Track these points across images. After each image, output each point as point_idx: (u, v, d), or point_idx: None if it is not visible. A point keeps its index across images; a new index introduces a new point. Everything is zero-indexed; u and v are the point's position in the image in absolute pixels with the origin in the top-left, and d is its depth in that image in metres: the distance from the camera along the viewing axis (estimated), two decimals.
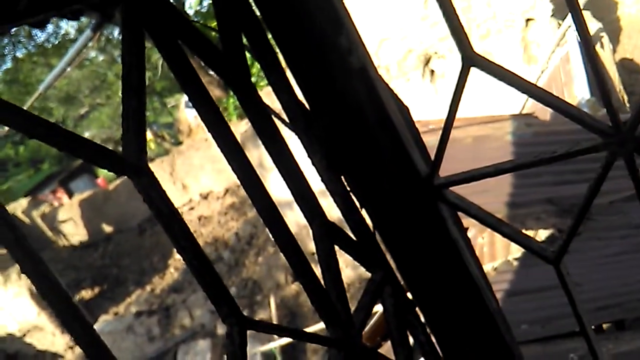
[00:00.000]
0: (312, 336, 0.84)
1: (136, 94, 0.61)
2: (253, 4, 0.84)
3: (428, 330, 1.03)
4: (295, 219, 6.93)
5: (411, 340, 1.06)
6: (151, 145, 18.99)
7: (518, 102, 6.58)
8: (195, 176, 14.40)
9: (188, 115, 16.79)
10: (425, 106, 7.63)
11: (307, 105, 0.97)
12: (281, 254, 0.87)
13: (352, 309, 0.96)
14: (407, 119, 1.01)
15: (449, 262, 0.95)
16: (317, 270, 0.94)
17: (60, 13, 0.71)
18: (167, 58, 0.72)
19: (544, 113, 5.60)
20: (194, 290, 11.43)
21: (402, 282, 1.04)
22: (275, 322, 9.56)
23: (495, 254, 4.48)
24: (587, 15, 7.34)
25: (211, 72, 12.27)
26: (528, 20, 7.39)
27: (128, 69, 0.62)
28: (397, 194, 0.95)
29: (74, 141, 0.56)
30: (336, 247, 1.01)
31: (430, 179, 0.91)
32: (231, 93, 14.02)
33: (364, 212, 1.03)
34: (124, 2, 0.62)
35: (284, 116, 1.01)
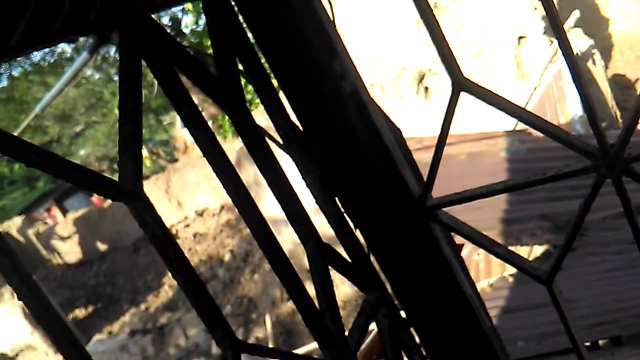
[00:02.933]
0: (306, 359, 0.84)
1: (133, 119, 0.63)
2: (247, 30, 0.86)
3: (423, 350, 1.04)
4: (291, 236, 6.91)
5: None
6: (147, 163, 18.99)
7: (511, 119, 6.62)
8: (190, 193, 14.38)
9: (184, 133, 16.83)
10: (419, 123, 7.68)
11: (300, 128, 0.98)
12: None
13: (349, 326, 0.96)
14: (399, 141, 1.02)
15: (443, 282, 0.95)
16: (310, 289, 0.94)
17: (56, 43, 0.72)
18: (162, 84, 0.74)
19: None
20: (188, 309, 11.34)
21: (396, 303, 1.05)
22: (271, 340, 9.49)
23: (491, 271, 4.48)
24: (579, 32, 7.44)
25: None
26: (520, 37, 7.48)
27: (125, 94, 0.63)
28: (390, 215, 0.96)
29: (69, 168, 0.57)
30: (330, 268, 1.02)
31: (423, 200, 0.92)
32: None
33: (357, 233, 1.03)
34: (121, 31, 0.63)
35: (278, 138, 1.02)
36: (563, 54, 0.74)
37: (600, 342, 3.39)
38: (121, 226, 14.62)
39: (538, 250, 4.08)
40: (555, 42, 6.64)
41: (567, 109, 5.98)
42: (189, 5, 12.74)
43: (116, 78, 19.29)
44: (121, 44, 0.66)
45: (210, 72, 0.79)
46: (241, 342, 0.69)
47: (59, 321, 0.56)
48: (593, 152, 0.78)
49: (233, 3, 0.84)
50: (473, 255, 4.72)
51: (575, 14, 7.39)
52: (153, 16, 0.70)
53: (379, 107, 0.97)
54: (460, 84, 0.80)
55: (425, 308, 0.99)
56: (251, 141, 0.90)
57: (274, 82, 0.95)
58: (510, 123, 6.62)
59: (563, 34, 0.72)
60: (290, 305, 10.19)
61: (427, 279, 0.96)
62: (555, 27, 0.72)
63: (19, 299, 0.54)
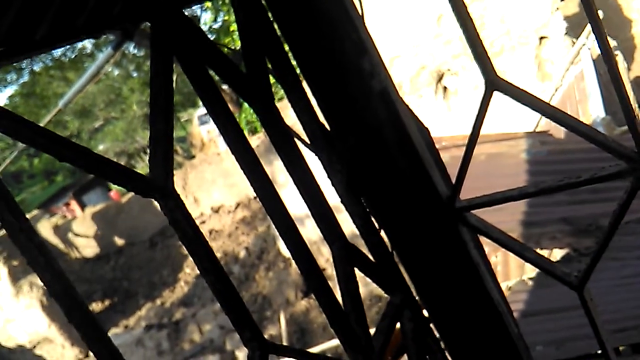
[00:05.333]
0: None
1: (164, 117, 0.62)
2: (277, 28, 0.85)
3: (447, 354, 1.02)
4: (306, 235, 6.91)
5: None
6: None
7: (532, 120, 6.55)
8: (207, 190, 14.46)
9: (201, 130, 16.92)
10: (437, 123, 7.61)
11: (327, 127, 0.97)
12: (291, 269, 0.87)
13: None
14: (427, 141, 1.00)
15: (470, 286, 0.94)
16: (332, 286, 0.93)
17: (82, 39, 0.72)
18: (192, 80, 0.73)
19: (559, 131, 5.57)
20: (203, 304, 11.40)
21: (420, 305, 1.03)
22: (284, 337, 9.50)
23: (509, 273, 4.42)
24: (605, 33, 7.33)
25: (224, 87, 12.36)
26: (542, 38, 7.38)
27: (156, 92, 0.63)
28: (417, 216, 0.94)
29: (102, 164, 0.56)
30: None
31: (452, 201, 0.90)
32: (244, 108, 14.05)
33: (382, 234, 1.02)
34: (153, 28, 0.63)
35: (305, 137, 1.01)
36: (601, 50, 0.71)
37: (621, 348, 3.33)
38: (138, 221, 14.76)
39: (558, 253, 4.02)
40: (578, 42, 6.54)
41: (589, 111, 5.89)
42: (208, 3, 12.80)
43: (135, 75, 19.45)
44: (153, 39, 0.65)
45: (240, 70, 0.78)
46: (269, 343, 0.68)
47: (89, 319, 0.56)
48: (630, 155, 0.76)
49: (263, 1, 0.83)
50: (491, 257, 4.67)
51: (598, 14, 7.26)
52: (185, 11, 0.70)
53: (407, 106, 0.96)
54: (493, 83, 0.78)
55: (451, 312, 0.97)
56: (278, 139, 0.89)
57: (302, 80, 0.94)
58: (531, 124, 6.53)
59: (602, 34, 0.70)
60: (304, 303, 10.20)
61: (453, 282, 0.95)
62: (594, 24, 0.70)
63: (51, 296, 0.54)
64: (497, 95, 0.98)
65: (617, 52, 7.31)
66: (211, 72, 0.84)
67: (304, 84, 0.94)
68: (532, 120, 6.57)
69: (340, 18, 0.83)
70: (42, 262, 0.49)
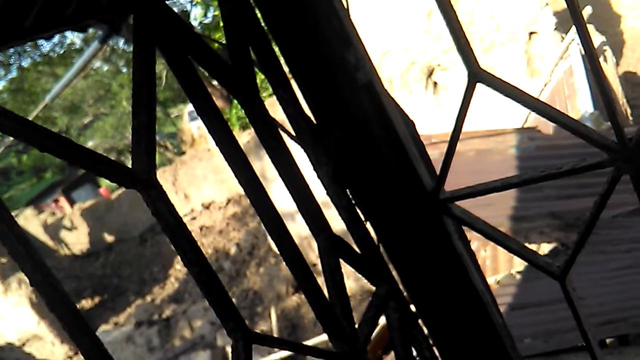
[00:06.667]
0: (317, 351, 0.84)
1: (147, 109, 0.62)
2: (261, 19, 0.85)
3: (432, 345, 1.03)
4: (296, 230, 6.92)
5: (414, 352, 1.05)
6: None
7: (520, 116, 6.59)
8: (197, 186, 14.42)
9: (191, 126, 16.86)
10: (427, 118, 7.65)
11: (313, 119, 0.97)
12: (282, 265, 0.88)
13: (356, 322, 0.96)
14: (413, 133, 1.01)
15: (454, 277, 0.94)
16: (320, 281, 0.94)
17: (69, 28, 0.71)
18: (176, 73, 0.73)
19: (547, 127, 5.61)
20: (194, 301, 11.39)
21: (406, 296, 1.04)
22: (275, 333, 9.51)
23: (498, 267, 4.46)
24: (590, 28, 7.37)
25: (214, 83, 12.30)
26: (531, 33, 7.42)
27: (139, 84, 0.63)
28: (402, 208, 0.95)
29: (85, 155, 0.56)
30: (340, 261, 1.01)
31: (436, 193, 0.91)
32: (234, 104, 14.00)
33: (368, 226, 1.03)
34: (136, 19, 0.63)
35: (290, 129, 1.01)
36: (582, 46, 0.72)
37: (608, 340, 3.37)
38: (128, 218, 14.69)
39: (546, 247, 4.06)
40: (567, 38, 6.58)
41: (578, 106, 5.94)
42: None
43: (124, 70, 19.33)
44: (135, 31, 0.65)
45: (224, 61, 0.78)
46: (252, 333, 0.68)
47: (72, 309, 0.56)
48: (611, 146, 0.77)
49: None
50: (480, 252, 4.71)
51: (587, 10, 7.32)
52: (167, 3, 0.69)
53: (393, 99, 0.96)
54: (477, 75, 0.79)
55: (436, 302, 0.98)
56: (264, 132, 0.89)
57: (288, 72, 0.95)
58: (519, 120, 6.57)
59: (583, 26, 0.71)
60: (295, 299, 10.22)
61: (438, 273, 0.95)
62: (575, 18, 0.71)
63: (32, 286, 0.54)
64: (486, 93, 0.99)
65: (606, 48, 7.36)
66: (200, 69, 0.84)
67: (290, 77, 0.94)
68: (521, 117, 6.61)
69: (325, 10, 0.83)
70: (22, 251, 0.49)
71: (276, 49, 0.90)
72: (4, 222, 0.51)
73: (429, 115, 7.80)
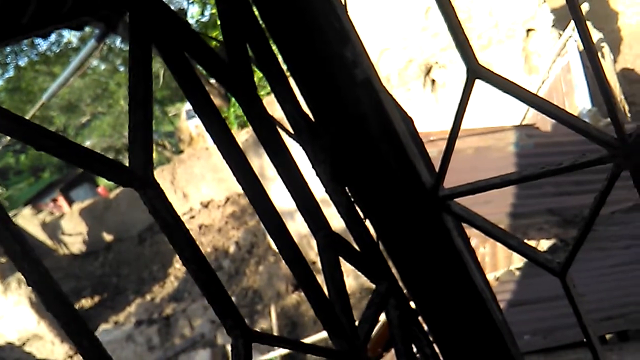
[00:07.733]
0: (317, 349, 0.83)
1: (143, 106, 0.62)
2: (258, 16, 0.85)
3: (432, 341, 1.03)
4: (296, 228, 6.92)
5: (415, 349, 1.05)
6: None
7: (519, 113, 6.59)
8: (196, 185, 14.41)
9: (189, 125, 16.83)
10: (426, 116, 7.64)
11: (311, 116, 0.97)
12: (282, 263, 0.87)
13: (356, 319, 0.95)
14: (411, 130, 1.01)
15: (454, 274, 0.94)
16: (320, 279, 0.93)
17: (65, 25, 0.71)
18: (173, 70, 0.73)
19: (545, 124, 5.61)
20: (193, 299, 11.39)
21: (406, 294, 1.04)
22: (275, 331, 9.52)
23: (497, 264, 4.46)
24: (587, 25, 7.38)
25: (212, 81, 12.27)
26: (529, 30, 7.42)
27: (135, 82, 0.62)
28: (401, 205, 0.94)
29: (81, 153, 0.56)
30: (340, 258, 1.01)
31: (435, 190, 0.90)
32: (232, 102, 13.97)
33: (367, 224, 1.02)
34: (132, 16, 0.62)
35: (288, 127, 1.01)
36: (582, 42, 0.72)
37: (607, 336, 3.38)
38: (127, 217, 14.68)
39: (545, 244, 4.07)
40: (564, 35, 6.58)
41: (575, 103, 5.94)
42: None
43: (122, 69, 19.28)
44: (131, 28, 0.65)
45: (221, 59, 0.78)
46: (252, 332, 0.68)
47: (69, 308, 0.56)
48: (611, 142, 0.76)
49: None
50: (479, 249, 4.71)
51: (585, 6, 7.31)
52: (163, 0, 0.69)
53: (391, 95, 0.96)
54: (475, 71, 0.79)
55: (436, 299, 0.98)
56: (262, 129, 0.89)
57: (285, 69, 0.94)
58: (517, 117, 6.58)
59: (583, 22, 0.71)
60: (294, 297, 10.22)
61: (438, 270, 0.95)
62: (575, 15, 0.71)
63: (28, 285, 0.53)
64: (484, 90, 0.99)
65: (604, 44, 7.36)
66: (198, 67, 0.84)
67: (287, 74, 0.93)
68: (519, 115, 6.61)
69: (322, 7, 0.83)
70: (18, 251, 0.49)
71: (274, 47, 0.90)
72: (0, 222, 0.50)
73: (427, 112, 7.80)
